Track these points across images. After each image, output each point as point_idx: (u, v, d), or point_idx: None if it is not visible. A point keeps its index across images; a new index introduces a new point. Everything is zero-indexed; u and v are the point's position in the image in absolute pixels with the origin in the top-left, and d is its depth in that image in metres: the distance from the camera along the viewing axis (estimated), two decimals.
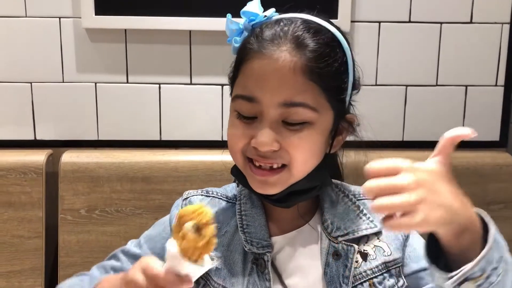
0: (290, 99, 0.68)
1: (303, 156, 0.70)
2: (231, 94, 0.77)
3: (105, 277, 0.78)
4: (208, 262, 0.58)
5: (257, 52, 0.70)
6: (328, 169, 0.79)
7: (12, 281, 1.15)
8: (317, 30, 0.71)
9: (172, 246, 0.57)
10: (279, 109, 0.68)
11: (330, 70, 0.70)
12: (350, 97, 0.77)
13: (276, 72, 0.68)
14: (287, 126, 0.69)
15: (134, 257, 0.80)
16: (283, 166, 0.71)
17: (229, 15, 0.77)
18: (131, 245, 0.85)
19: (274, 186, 0.72)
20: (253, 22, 0.74)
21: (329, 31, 0.72)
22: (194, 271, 0.57)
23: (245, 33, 0.75)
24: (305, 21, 0.72)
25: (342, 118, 0.75)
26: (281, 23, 0.71)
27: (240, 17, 0.76)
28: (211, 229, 0.57)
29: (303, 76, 0.68)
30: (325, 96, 0.70)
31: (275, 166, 0.71)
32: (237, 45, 0.74)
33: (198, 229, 0.56)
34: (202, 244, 0.56)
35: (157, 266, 0.58)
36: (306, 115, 0.69)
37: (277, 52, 0.68)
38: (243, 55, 0.72)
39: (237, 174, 0.77)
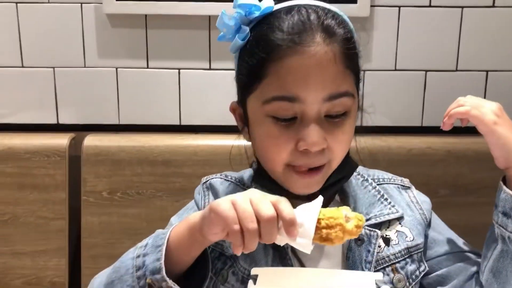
0: (335, 91, 0.65)
1: (343, 149, 0.70)
2: (242, 98, 0.71)
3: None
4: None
5: (289, 48, 0.64)
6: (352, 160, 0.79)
7: (38, 260, 1.19)
8: (334, 15, 0.69)
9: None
10: (324, 104, 0.65)
11: (356, 54, 0.70)
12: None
13: (317, 67, 0.64)
14: (330, 120, 0.67)
15: None
16: (325, 164, 0.70)
17: (224, 10, 0.70)
18: None
19: (316, 184, 0.70)
20: (254, 16, 0.68)
21: (339, 14, 0.71)
22: (305, 245, 0.59)
23: (245, 28, 0.69)
24: (323, 9, 0.68)
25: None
26: (302, 12, 0.67)
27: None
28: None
29: (341, 64, 0.66)
30: (355, 81, 0.70)
31: (318, 164, 0.69)
32: (241, 42, 0.69)
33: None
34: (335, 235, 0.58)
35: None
36: (347, 104, 0.67)
37: (312, 44, 0.64)
38: (269, 53, 0.66)
39: (263, 181, 0.75)
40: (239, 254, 0.58)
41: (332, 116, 0.67)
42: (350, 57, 0.68)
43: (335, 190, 0.77)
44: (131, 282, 0.64)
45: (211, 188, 0.82)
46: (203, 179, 0.85)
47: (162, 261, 0.62)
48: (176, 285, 0.63)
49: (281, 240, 0.59)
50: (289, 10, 0.68)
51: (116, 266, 0.68)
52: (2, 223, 1.18)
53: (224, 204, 0.59)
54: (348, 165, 0.75)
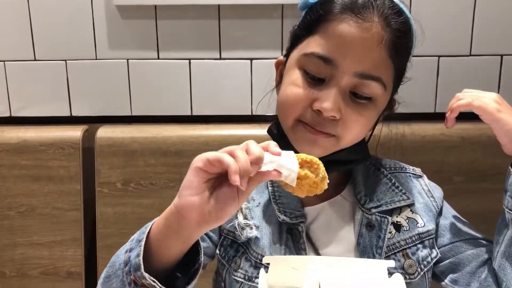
0: (369, 71, 0.67)
1: (356, 131, 0.70)
2: (290, 50, 0.73)
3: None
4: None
5: (347, 15, 0.67)
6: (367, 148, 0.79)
7: (54, 250, 1.21)
8: (400, 12, 0.70)
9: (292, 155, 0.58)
10: (354, 78, 0.67)
11: (405, 53, 0.71)
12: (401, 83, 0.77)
13: (364, 41, 0.66)
14: (354, 98, 0.68)
15: None
16: (334, 135, 0.71)
17: None
18: None
19: (321, 148, 0.71)
20: None
21: (407, 15, 0.72)
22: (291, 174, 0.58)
23: None
24: (390, 0, 0.70)
25: (391, 100, 0.76)
26: None
27: None
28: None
29: (387, 51, 0.67)
30: (394, 76, 0.71)
31: (327, 132, 0.70)
32: (313, 1, 0.71)
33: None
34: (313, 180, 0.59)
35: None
36: (376, 90, 0.68)
37: (368, 20, 0.66)
38: (326, 13, 0.69)
39: (274, 134, 0.76)
40: (237, 181, 0.53)
41: (357, 96, 0.68)
42: (397, 50, 0.68)
43: (339, 169, 0.77)
44: (122, 277, 0.62)
45: None
46: None
47: (141, 257, 0.59)
48: (156, 282, 0.58)
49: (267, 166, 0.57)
50: None
51: (112, 261, 0.66)
52: (19, 214, 1.21)
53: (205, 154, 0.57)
54: (360, 152, 0.75)
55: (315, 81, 0.69)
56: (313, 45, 0.69)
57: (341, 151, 0.73)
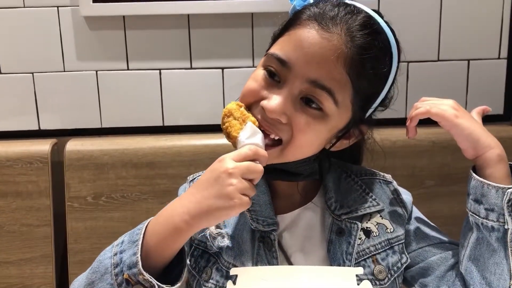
0: (322, 80, 0.66)
1: (302, 142, 0.69)
2: (267, 50, 0.74)
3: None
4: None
5: (312, 23, 0.68)
6: (343, 156, 0.80)
7: (24, 268, 1.17)
8: (377, 31, 0.69)
9: (250, 124, 0.68)
10: (306, 84, 0.67)
11: (370, 75, 0.68)
12: (374, 110, 0.75)
13: (321, 49, 0.66)
14: (304, 104, 0.68)
15: None
16: (279, 141, 0.70)
17: None
18: None
19: (275, 153, 0.70)
20: None
21: (387, 37, 0.71)
22: (263, 139, 0.68)
23: (310, 1, 0.73)
24: (369, 17, 0.70)
25: (357, 126, 0.74)
26: (347, 8, 0.69)
27: None
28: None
29: (343, 67, 0.66)
30: (353, 97, 0.68)
31: (272, 136, 0.70)
32: (298, 7, 0.73)
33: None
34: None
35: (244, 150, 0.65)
36: (326, 103, 0.67)
37: (331, 32, 0.67)
38: (297, 19, 0.70)
39: None
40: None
41: (308, 104, 0.68)
42: (356, 70, 0.67)
43: (282, 179, 0.77)
44: (110, 280, 0.63)
45: None
46: (189, 177, 0.86)
47: (139, 254, 0.62)
48: (152, 278, 0.61)
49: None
50: (342, 3, 0.71)
51: (94, 267, 0.67)
52: None
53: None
54: (307, 167, 0.75)
55: (273, 81, 0.69)
56: (276, 46, 0.71)
57: (289, 162, 0.72)
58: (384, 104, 0.76)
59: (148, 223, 0.66)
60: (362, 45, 0.67)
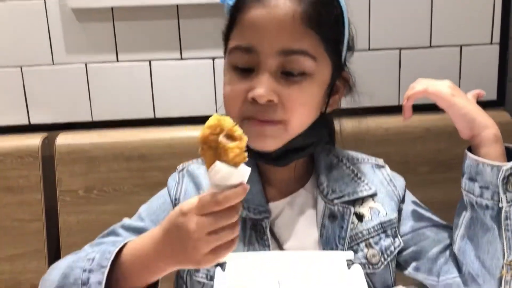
0: (289, 46, 0.67)
1: (301, 110, 0.70)
2: (225, 52, 0.74)
3: (130, 241, 0.71)
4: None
5: (255, 2, 0.68)
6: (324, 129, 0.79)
7: (17, 264, 1.16)
8: None
9: (219, 166, 0.54)
10: (278, 57, 0.67)
11: (329, 19, 0.70)
12: (345, 54, 0.76)
13: (274, 19, 0.67)
14: (287, 77, 0.68)
15: (137, 231, 0.80)
16: (280, 121, 0.70)
17: None
18: (132, 220, 0.85)
19: (271, 138, 0.70)
20: None
21: None
22: (244, 175, 0.56)
23: None
24: None
25: (339, 75, 0.75)
26: None
27: None
28: (238, 129, 0.56)
29: (302, 23, 0.67)
30: (324, 46, 0.69)
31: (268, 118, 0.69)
32: (231, 2, 0.72)
33: (229, 136, 0.55)
34: (243, 144, 0.55)
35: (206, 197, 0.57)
36: (305, 63, 0.68)
37: (276, 0, 0.67)
38: (238, 6, 0.70)
39: None
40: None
41: (289, 74, 0.68)
42: (316, 19, 0.68)
43: (300, 157, 0.76)
44: None
45: (190, 175, 0.81)
46: (179, 167, 0.85)
47: (103, 283, 0.63)
48: None
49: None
50: None
51: (66, 273, 0.68)
52: None
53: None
54: (315, 134, 0.74)
55: (245, 72, 0.69)
56: (233, 39, 0.71)
57: (297, 138, 0.72)
58: (350, 46, 0.77)
59: (121, 249, 0.66)
60: None
